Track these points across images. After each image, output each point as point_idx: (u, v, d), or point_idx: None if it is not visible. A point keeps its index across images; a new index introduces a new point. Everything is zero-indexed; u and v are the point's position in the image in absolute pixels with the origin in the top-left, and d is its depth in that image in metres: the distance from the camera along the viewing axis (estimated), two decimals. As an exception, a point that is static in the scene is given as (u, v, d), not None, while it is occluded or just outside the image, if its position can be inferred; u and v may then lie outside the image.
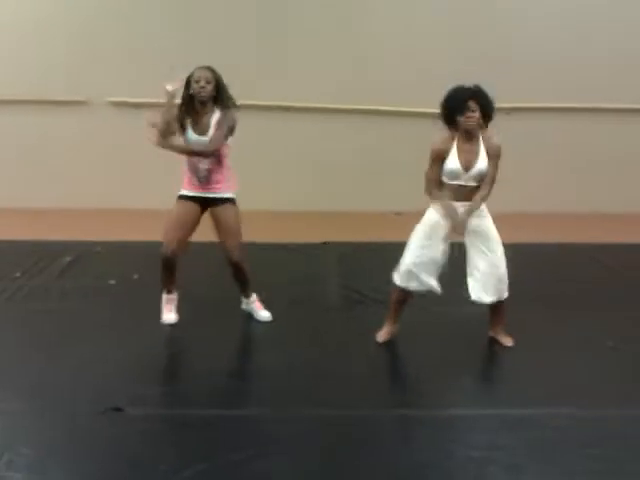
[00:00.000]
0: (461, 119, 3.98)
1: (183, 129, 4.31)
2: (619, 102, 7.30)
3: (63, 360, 4.06)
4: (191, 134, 4.31)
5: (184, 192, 4.43)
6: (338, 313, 4.86)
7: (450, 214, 4.04)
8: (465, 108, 3.95)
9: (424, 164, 4.14)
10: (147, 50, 6.84)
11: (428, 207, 4.21)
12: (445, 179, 4.10)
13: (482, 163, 4.03)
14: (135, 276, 5.37)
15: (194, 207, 4.41)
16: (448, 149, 4.05)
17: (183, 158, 4.36)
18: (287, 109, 7.24)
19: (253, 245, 5.50)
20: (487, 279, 4.16)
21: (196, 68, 4.26)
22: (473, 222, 4.12)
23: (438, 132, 4.13)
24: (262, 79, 7.00)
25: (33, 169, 7.27)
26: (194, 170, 4.35)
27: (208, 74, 4.24)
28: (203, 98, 4.24)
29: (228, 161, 4.39)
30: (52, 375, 3.89)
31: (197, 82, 4.21)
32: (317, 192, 7.20)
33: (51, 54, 7.11)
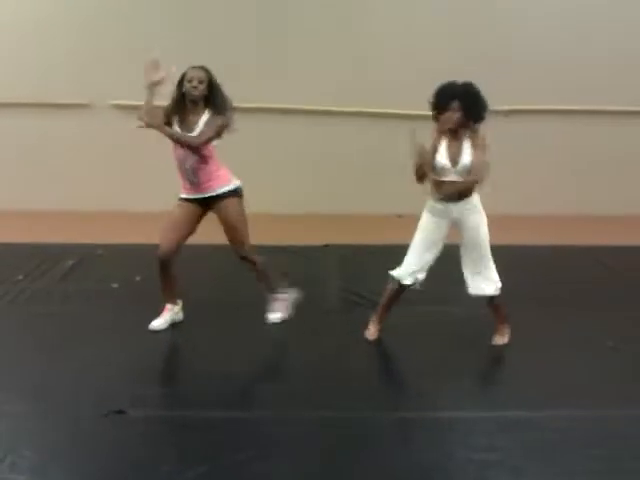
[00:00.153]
0: (441, 117, 4.04)
1: (169, 125, 4.30)
2: (618, 104, 7.31)
3: (66, 363, 4.08)
4: (177, 130, 4.28)
5: (182, 195, 4.44)
6: (338, 316, 4.87)
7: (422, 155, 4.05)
8: (447, 108, 4.01)
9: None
10: (149, 52, 6.83)
11: (424, 213, 4.25)
12: (436, 177, 4.13)
13: (466, 158, 4.06)
14: (137, 279, 5.38)
15: (191, 209, 4.41)
16: (438, 144, 4.10)
17: None
18: (288, 111, 7.25)
19: (253, 247, 5.52)
20: (477, 275, 4.21)
21: (190, 67, 4.26)
22: (468, 218, 4.16)
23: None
24: (263, 81, 7.02)
25: (35, 172, 7.29)
26: (182, 170, 4.34)
27: (201, 74, 4.24)
28: (195, 97, 4.24)
29: (215, 160, 4.35)
30: (55, 378, 3.91)
31: (190, 82, 4.21)
32: (318, 194, 7.22)
33: (53, 57, 7.13)
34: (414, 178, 4.08)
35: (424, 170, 4.04)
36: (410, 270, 4.27)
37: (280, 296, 4.67)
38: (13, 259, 5.82)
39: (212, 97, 4.27)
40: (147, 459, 3.18)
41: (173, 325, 4.59)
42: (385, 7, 7.24)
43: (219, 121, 4.27)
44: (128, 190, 7.13)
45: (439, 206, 4.18)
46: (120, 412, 3.51)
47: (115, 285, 5.32)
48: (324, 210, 7.06)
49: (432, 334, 4.53)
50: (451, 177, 4.10)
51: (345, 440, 3.37)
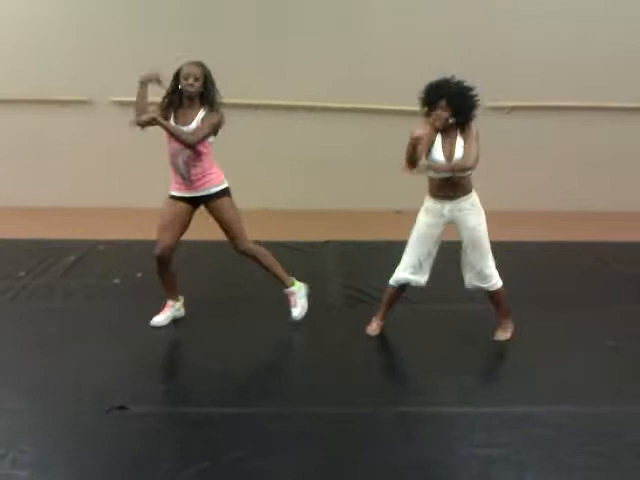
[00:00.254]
0: (430, 115, 4.05)
1: (166, 119, 4.28)
2: (619, 100, 7.30)
3: (67, 359, 4.08)
4: (172, 124, 4.29)
5: (172, 192, 4.42)
6: (340, 312, 4.87)
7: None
8: (435, 106, 4.01)
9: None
10: (150, 49, 6.84)
11: (421, 211, 4.26)
12: (431, 173, 4.14)
13: (459, 152, 4.07)
14: (139, 275, 5.39)
15: (182, 207, 4.40)
16: (434, 139, 4.10)
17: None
18: (288, 108, 7.25)
19: (254, 243, 5.53)
20: (474, 271, 4.22)
21: (185, 63, 4.25)
22: (467, 219, 4.16)
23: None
24: (263, 77, 7.02)
25: (37, 168, 7.29)
26: (175, 165, 4.33)
27: (197, 71, 4.23)
28: (191, 95, 4.25)
29: (209, 158, 4.36)
30: (56, 374, 3.91)
31: (185, 79, 4.21)
32: (318, 191, 7.22)
33: (54, 53, 7.13)
34: (404, 164, 4.04)
35: (415, 153, 3.98)
36: (407, 272, 4.28)
37: (293, 289, 4.64)
38: (15, 255, 5.83)
39: (207, 93, 4.27)
40: (147, 455, 3.19)
41: (174, 321, 4.60)
42: (385, 4, 7.23)
43: (215, 118, 4.27)
44: (129, 186, 7.14)
45: (436, 205, 4.19)
46: (121, 408, 3.52)
47: (117, 281, 5.33)
48: (325, 206, 7.06)
49: (434, 330, 4.54)
50: (446, 173, 4.10)
51: (347, 436, 3.37)
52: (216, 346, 4.30)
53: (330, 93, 7.13)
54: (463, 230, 4.20)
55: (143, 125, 4.20)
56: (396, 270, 4.32)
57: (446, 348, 4.30)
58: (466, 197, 4.16)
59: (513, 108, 7.17)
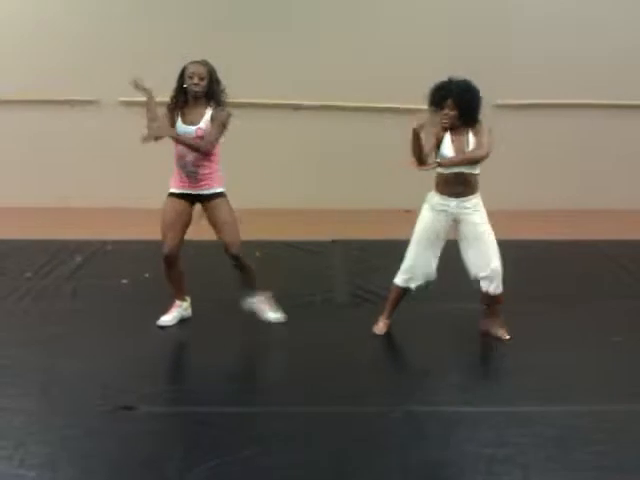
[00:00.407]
0: (437, 115, 4.08)
1: (173, 121, 4.32)
2: (625, 98, 7.27)
3: (74, 359, 4.09)
4: (180, 125, 4.31)
5: (173, 190, 4.43)
6: (347, 311, 4.87)
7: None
8: (442, 106, 4.05)
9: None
10: (157, 49, 6.86)
11: (424, 206, 4.27)
12: (440, 169, 4.14)
13: (471, 146, 4.09)
14: (146, 275, 5.39)
15: (183, 205, 4.41)
16: (442, 136, 4.12)
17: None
18: (295, 107, 7.25)
19: (261, 243, 5.55)
20: (479, 264, 4.20)
21: (190, 62, 4.26)
22: (469, 218, 4.17)
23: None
24: (269, 76, 7.02)
25: (44, 168, 7.30)
26: (182, 165, 4.34)
27: (202, 70, 4.24)
28: (197, 94, 4.26)
29: (217, 158, 4.37)
30: (64, 374, 3.92)
31: (191, 78, 4.22)
32: (326, 190, 7.21)
33: (62, 53, 7.13)
34: (412, 160, 4.05)
35: (419, 146, 3.99)
36: (411, 273, 4.29)
37: (263, 296, 4.64)
38: (22, 255, 5.84)
39: (213, 91, 4.28)
40: (155, 455, 3.20)
41: (181, 321, 4.60)
42: (389, 2, 7.22)
43: (222, 116, 4.28)
44: (137, 186, 7.14)
45: (441, 201, 4.19)
46: (128, 408, 3.53)
47: (124, 281, 5.34)
48: (332, 205, 7.05)
49: (440, 329, 4.53)
50: (456, 168, 4.11)
51: (352, 435, 3.38)
52: (222, 346, 4.30)
53: (338, 91, 7.11)
54: (466, 226, 4.19)
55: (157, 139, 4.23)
56: (400, 269, 4.32)
57: (452, 347, 4.30)
58: (472, 197, 4.17)
59: (513, 106, 7.14)
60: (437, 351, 4.26)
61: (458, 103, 4.02)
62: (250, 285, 4.60)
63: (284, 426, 3.43)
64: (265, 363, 4.25)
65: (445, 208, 4.18)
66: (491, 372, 4.23)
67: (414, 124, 3.92)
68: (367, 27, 7.20)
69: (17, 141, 7.31)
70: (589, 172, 7.38)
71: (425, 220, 4.24)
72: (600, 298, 5.10)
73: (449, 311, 4.71)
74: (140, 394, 3.67)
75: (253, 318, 4.62)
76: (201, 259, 5.27)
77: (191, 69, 4.24)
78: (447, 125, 4.08)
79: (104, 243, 6.17)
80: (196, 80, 4.22)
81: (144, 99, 4.29)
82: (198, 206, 4.47)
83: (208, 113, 4.29)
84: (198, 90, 4.24)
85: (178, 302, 4.60)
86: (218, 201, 4.40)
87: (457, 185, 4.14)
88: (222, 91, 4.32)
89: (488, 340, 4.39)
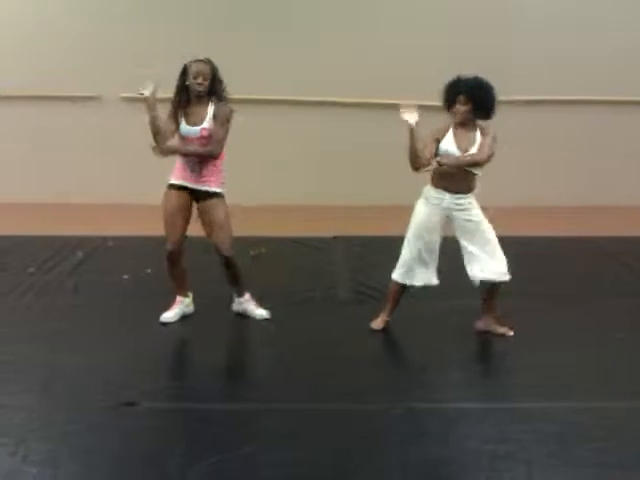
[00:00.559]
0: (451, 110, 4.10)
1: (177, 121, 4.32)
2: (627, 94, 7.26)
3: (76, 355, 4.09)
4: (184, 125, 4.31)
5: (174, 181, 4.42)
6: (348, 307, 4.88)
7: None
8: (455, 101, 4.08)
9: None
10: (159, 46, 6.85)
11: (419, 199, 4.28)
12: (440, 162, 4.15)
13: (476, 148, 4.11)
14: (148, 270, 5.40)
15: (183, 199, 4.41)
16: (444, 134, 4.14)
17: None
18: (296, 103, 7.24)
19: (262, 239, 5.55)
20: (482, 259, 4.20)
21: (194, 60, 4.26)
22: (462, 215, 4.18)
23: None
24: (270, 73, 7.01)
25: (46, 164, 7.30)
26: (186, 160, 4.35)
27: (206, 69, 4.24)
28: (200, 93, 4.26)
29: (222, 159, 4.38)
30: (66, 370, 3.93)
31: (195, 78, 4.22)
32: (327, 186, 7.20)
33: (64, 49, 7.13)
34: (410, 166, 4.09)
35: (417, 153, 4.01)
36: (408, 266, 4.30)
37: (248, 295, 4.65)
38: (25, 251, 5.85)
39: (215, 89, 4.29)
40: (157, 451, 3.20)
41: (183, 317, 4.61)
42: (389, 2, 7.22)
43: (224, 113, 4.28)
44: (139, 182, 7.12)
45: (436, 194, 4.20)
46: (130, 404, 3.53)
47: (126, 277, 5.34)
48: (333, 202, 7.05)
49: (442, 327, 4.53)
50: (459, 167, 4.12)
51: (354, 432, 3.38)
52: (223, 342, 4.32)
53: (339, 88, 7.11)
54: (461, 221, 4.20)
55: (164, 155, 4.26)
56: (398, 264, 4.33)
57: (453, 344, 4.31)
58: (466, 195, 4.18)
59: (515, 102, 7.13)
60: (438, 348, 4.26)
61: (471, 98, 4.05)
62: (236, 284, 4.60)
63: (285, 423, 3.44)
64: (266, 360, 4.25)
65: (439, 202, 4.20)
66: (492, 369, 4.23)
67: (405, 118, 3.93)
68: (367, 26, 7.18)
69: (19, 137, 7.31)
70: (594, 169, 7.37)
71: (420, 213, 4.25)
72: (602, 296, 5.09)
73: (450, 308, 4.70)
74: (142, 390, 3.68)
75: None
76: (202, 255, 5.26)
77: (195, 68, 4.23)
78: (459, 120, 4.10)
79: (105, 239, 6.17)
80: (200, 80, 4.22)
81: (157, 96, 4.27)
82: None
83: (210, 110, 4.29)
84: (202, 90, 4.24)
85: (180, 298, 4.60)
86: (215, 201, 4.39)
87: (452, 181, 4.15)
88: (224, 89, 4.32)
89: (489, 337, 4.39)
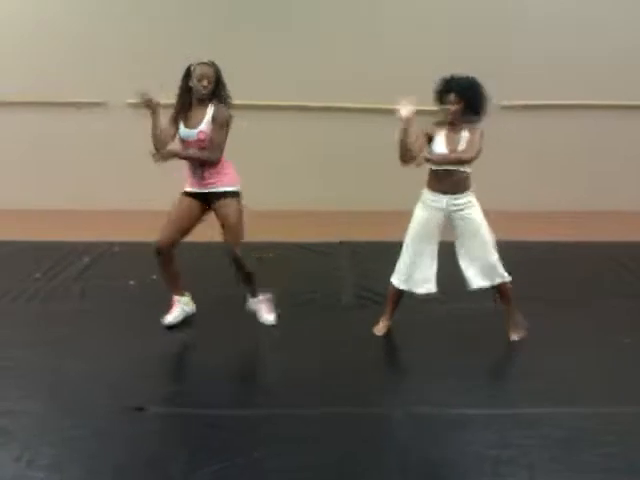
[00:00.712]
0: (443, 111, 4.11)
1: (177, 125, 4.33)
2: (628, 99, 7.24)
3: (82, 360, 4.10)
4: (182, 129, 4.32)
5: (186, 188, 4.45)
6: (352, 312, 4.87)
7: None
8: (444, 100, 4.08)
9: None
10: (164, 52, 6.87)
11: (417, 204, 4.29)
12: (431, 166, 4.16)
13: (463, 147, 4.10)
14: (154, 276, 5.38)
15: (193, 204, 4.42)
16: (435, 132, 4.15)
17: None
18: (302, 109, 7.25)
19: (268, 244, 5.55)
20: (476, 265, 4.22)
21: (198, 63, 4.25)
22: (460, 215, 4.18)
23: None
24: (273, 78, 7.02)
25: (51, 170, 7.32)
26: (191, 164, 4.37)
27: (210, 73, 4.24)
28: (204, 97, 4.27)
29: (222, 159, 4.37)
30: (72, 375, 3.94)
31: (199, 80, 4.22)
32: (333, 191, 7.20)
33: (69, 55, 7.14)
34: (399, 158, 4.07)
35: (407, 147, 4.00)
36: (407, 271, 4.31)
37: (263, 297, 4.65)
38: (31, 257, 5.85)
39: (218, 91, 4.29)
40: (162, 456, 3.21)
41: (189, 322, 4.61)
42: (393, 4, 7.22)
43: (222, 117, 4.27)
44: (145, 188, 7.14)
45: (433, 197, 4.20)
46: (136, 409, 3.54)
47: (132, 282, 5.35)
48: (339, 207, 7.05)
49: (444, 330, 4.53)
50: (446, 165, 4.12)
51: (358, 436, 3.38)
52: (228, 347, 4.31)
53: (343, 93, 7.11)
54: (459, 222, 4.20)
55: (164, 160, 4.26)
56: (395, 269, 4.33)
57: (456, 348, 4.29)
58: (463, 195, 4.18)
59: (516, 107, 7.12)
60: (441, 352, 4.25)
61: (462, 97, 4.05)
62: (248, 284, 4.61)
63: (290, 428, 3.44)
64: (270, 364, 4.25)
65: (436, 204, 4.20)
66: (495, 374, 4.22)
67: (403, 113, 3.92)
68: (370, 31, 7.18)
69: (24, 142, 7.33)
70: (595, 174, 7.35)
71: (418, 218, 4.26)
72: (604, 300, 5.07)
73: (452, 312, 4.71)
74: (147, 395, 3.69)
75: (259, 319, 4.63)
76: (208, 260, 5.27)
77: (199, 71, 4.23)
78: (449, 119, 4.11)
79: (111, 245, 6.19)
80: (205, 83, 4.22)
81: (162, 102, 4.28)
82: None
83: (209, 113, 4.28)
84: (205, 93, 4.25)
85: (177, 297, 4.61)
86: (223, 202, 4.38)
87: (447, 182, 4.15)
88: (227, 93, 4.32)
89: (493, 340, 4.38)
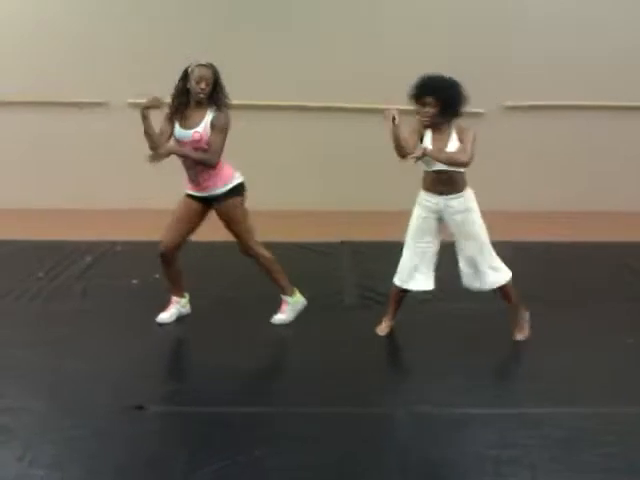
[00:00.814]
0: (418, 112, 4.06)
1: (172, 124, 4.32)
2: (629, 100, 7.25)
3: (84, 359, 4.11)
4: (178, 129, 4.31)
5: (187, 190, 4.46)
6: (354, 312, 4.88)
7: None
8: (423, 102, 4.03)
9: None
10: (165, 52, 6.87)
11: (414, 205, 4.29)
12: (424, 167, 4.15)
13: (452, 147, 4.07)
14: (157, 275, 5.39)
15: (194, 206, 4.42)
16: (423, 132, 4.13)
17: None
18: (302, 109, 7.25)
19: (270, 244, 5.54)
20: (474, 269, 4.22)
21: (197, 65, 4.22)
22: (456, 216, 4.18)
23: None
24: (273, 78, 7.03)
25: (53, 169, 7.34)
26: (187, 169, 4.37)
27: (209, 75, 4.21)
28: (201, 99, 4.25)
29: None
30: (73, 374, 3.94)
31: (197, 83, 4.20)
32: (335, 191, 7.21)
33: (71, 55, 7.17)
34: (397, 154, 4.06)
35: (401, 145, 3.99)
36: (407, 271, 4.31)
37: (288, 299, 4.64)
38: (33, 256, 5.87)
39: (216, 94, 4.26)
40: (163, 455, 3.21)
41: (190, 321, 4.63)
42: (393, 4, 7.22)
43: (223, 121, 4.27)
44: (147, 187, 7.16)
45: (427, 197, 4.21)
46: (137, 408, 3.54)
47: (135, 281, 5.36)
48: (341, 207, 7.06)
49: (446, 330, 4.53)
50: (437, 166, 4.10)
51: (359, 435, 3.38)
52: (230, 346, 4.32)
53: (343, 92, 7.11)
54: (455, 222, 4.20)
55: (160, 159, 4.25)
56: (397, 269, 4.34)
57: (458, 348, 4.29)
58: (459, 194, 4.17)
59: (516, 107, 7.12)
60: (442, 352, 4.25)
61: (438, 99, 3.99)
62: (275, 282, 4.59)
63: (291, 427, 3.44)
64: (272, 364, 4.27)
65: (431, 205, 4.20)
66: (497, 373, 4.21)
67: (391, 118, 3.91)
68: (370, 31, 7.19)
69: (26, 142, 7.34)
70: (593, 174, 7.35)
71: (415, 218, 4.27)
72: (612, 299, 5.08)
73: (454, 312, 4.70)
74: (148, 394, 3.69)
75: (262, 318, 4.62)
76: (209, 259, 5.29)
77: (198, 73, 4.20)
78: (428, 122, 4.06)
79: (114, 244, 6.20)
80: (203, 85, 4.20)
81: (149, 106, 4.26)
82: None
83: (208, 117, 4.27)
84: (203, 95, 4.23)
85: (176, 299, 4.63)
86: (224, 203, 4.37)
87: (441, 183, 4.15)
88: (225, 95, 4.30)
89: (495, 340, 4.38)
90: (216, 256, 5.59)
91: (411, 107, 4.12)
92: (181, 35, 7.01)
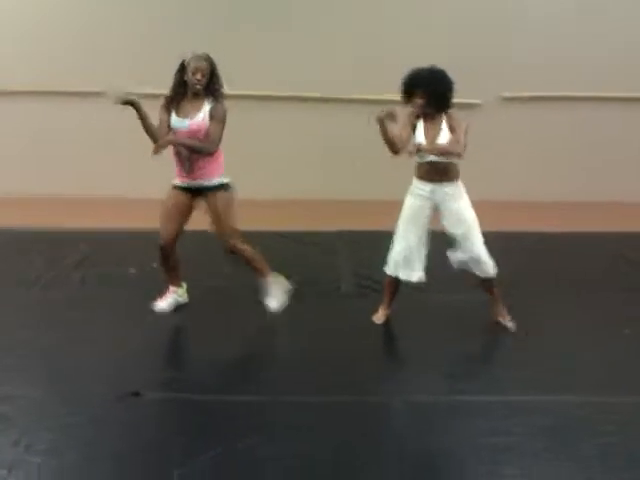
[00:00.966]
0: (409, 104, 4.12)
1: (169, 116, 4.33)
2: (631, 91, 7.24)
3: (81, 347, 4.13)
4: (174, 118, 4.32)
5: (175, 182, 4.46)
6: (351, 301, 4.89)
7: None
8: (411, 94, 4.09)
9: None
10: (164, 42, 6.86)
11: (406, 195, 4.31)
12: (417, 158, 4.19)
13: (444, 138, 4.11)
14: (154, 264, 5.39)
15: (183, 197, 4.44)
16: (416, 123, 4.17)
17: None
18: (300, 99, 7.25)
19: (266, 234, 5.56)
20: (466, 257, 4.25)
21: (193, 56, 4.24)
22: (448, 205, 4.20)
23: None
24: (273, 68, 7.02)
25: (52, 158, 7.34)
26: (178, 155, 4.37)
27: (205, 66, 4.23)
28: (198, 90, 4.26)
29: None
30: (71, 361, 3.97)
31: (194, 74, 4.21)
32: (330, 181, 7.20)
33: (71, 45, 7.15)
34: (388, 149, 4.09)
35: (392, 140, 4.03)
36: (398, 259, 4.33)
37: (272, 280, 4.63)
38: (32, 245, 5.87)
39: (212, 85, 4.28)
40: (160, 442, 3.24)
41: (186, 310, 4.64)
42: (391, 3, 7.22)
43: (220, 112, 4.28)
44: (146, 176, 7.14)
45: (421, 186, 4.24)
46: (134, 395, 3.56)
47: (132, 270, 5.37)
48: (336, 196, 7.06)
49: (442, 320, 4.54)
50: (430, 157, 4.14)
51: (355, 424, 3.40)
52: (228, 335, 4.33)
53: (342, 84, 7.11)
54: (447, 210, 4.22)
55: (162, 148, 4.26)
56: (388, 257, 4.35)
57: (453, 338, 4.30)
58: (451, 183, 4.20)
59: (516, 98, 7.12)
60: (438, 342, 4.27)
61: (426, 91, 4.05)
62: (253, 268, 4.60)
63: (287, 415, 3.46)
64: (269, 352, 4.28)
65: (424, 193, 4.23)
66: (493, 362, 4.24)
67: (378, 113, 3.94)
68: (368, 24, 7.16)
69: (26, 131, 7.34)
70: (593, 165, 7.34)
71: (407, 207, 4.30)
72: (609, 289, 5.09)
73: (450, 302, 4.72)
74: (145, 382, 3.71)
75: (258, 307, 4.62)
76: (205, 248, 5.28)
77: (194, 65, 4.22)
78: (417, 113, 4.12)
79: (112, 233, 6.20)
80: (199, 76, 4.21)
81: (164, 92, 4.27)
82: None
83: (206, 108, 4.28)
84: (200, 87, 4.24)
85: (173, 288, 4.65)
86: (211, 194, 4.38)
87: (434, 172, 4.19)
88: (221, 86, 4.31)
89: (491, 330, 4.40)
90: (211, 246, 5.58)
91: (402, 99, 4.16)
92: (176, 30, 6.99)
